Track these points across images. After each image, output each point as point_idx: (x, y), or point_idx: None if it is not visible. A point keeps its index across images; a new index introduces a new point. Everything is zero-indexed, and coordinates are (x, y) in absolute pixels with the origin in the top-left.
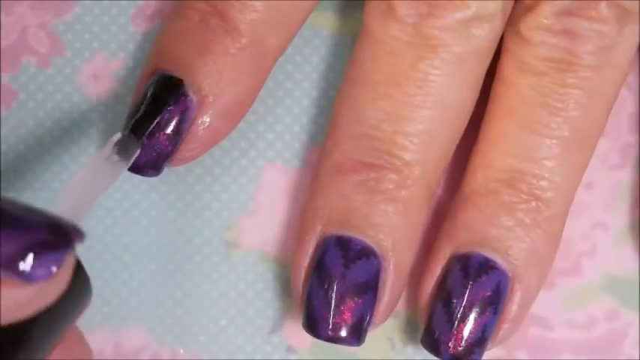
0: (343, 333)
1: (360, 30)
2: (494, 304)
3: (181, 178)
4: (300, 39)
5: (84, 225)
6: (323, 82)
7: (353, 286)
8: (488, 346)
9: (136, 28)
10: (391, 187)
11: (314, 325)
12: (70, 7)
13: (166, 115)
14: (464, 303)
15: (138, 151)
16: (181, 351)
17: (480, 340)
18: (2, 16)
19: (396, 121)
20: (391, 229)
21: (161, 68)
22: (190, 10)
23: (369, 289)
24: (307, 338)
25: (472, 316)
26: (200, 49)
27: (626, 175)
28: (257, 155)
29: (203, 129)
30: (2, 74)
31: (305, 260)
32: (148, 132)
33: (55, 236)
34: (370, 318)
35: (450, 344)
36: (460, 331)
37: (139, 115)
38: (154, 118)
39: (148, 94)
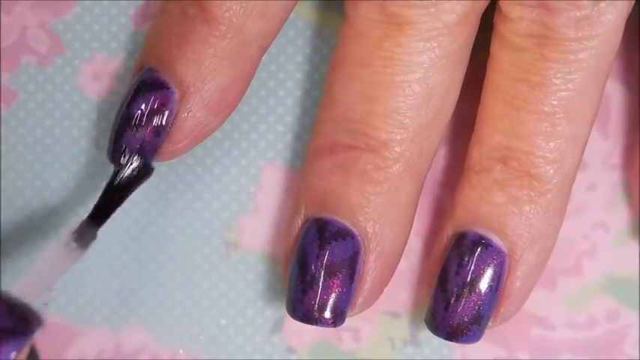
0: (318, 314)
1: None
2: (492, 282)
3: (181, 177)
4: (301, 38)
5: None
6: (324, 82)
7: (328, 267)
8: (490, 324)
9: (136, 28)
10: (369, 167)
11: (292, 307)
12: (69, 7)
13: (149, 109)
14: (458, 281)
15: (95, 239)
16: (181, 351)
17: (475, 318)
18: (2, 15)
19: (368, 102)
20: (370, 209)
21: (147, 64)
22: (172, 3)
23: (346, 270)
24: (307, 338)
25: (466, 294)
26: (179, 41)
27: (626, 175)
28: (257, 155)
29: (187, 121)
30: (2, 74)
31: (289, 243)
32: (107, 219)
33: (17, 323)
34: (348, 300)
35: (445, 322)
36: (454, 309)
37: (98, 202)
38: (114, 206)
39: (115, 181)
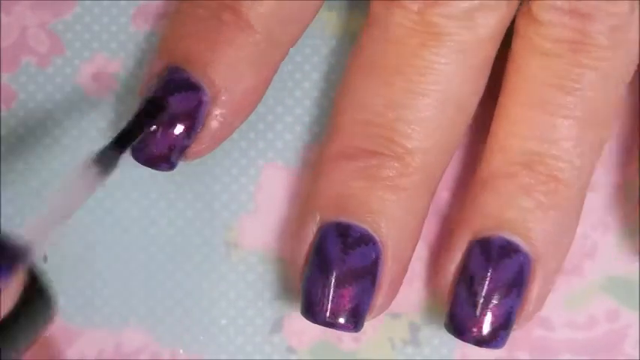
0: (341, 319)
1: (367, 16)
2: (517, 286)
3: (181, 177)
4: (301, 39)
5: (81, 227)
6: (324, 82)
7: (351, 272)
8: (514, 328)
9: (136, 28)
10: (391, 174)
11: (311, 310)
12: (69, 7)
13: (181, 109)
14: (487, 287)
15: (118, 165)
16: (181, 351)
17: (504, 324)
18: (2, 15)
19: (398, 109)
20: (390, 216)
21: (173, 65)
22: (200, 7)
23: (368, 275)
24: (307, 338)
25: (496, 300)
26: (213, 45)
27: (626, 176)
28: (257, 155)
29: (216, 123)
30: (2, 74)
31: (304, 246)
32: (130, 145)
33: None
34: (368, 305)
35: (475, 328)
36: (485, 314)
37: (124, 127)
38: (139, 131)
39: (145, 100)
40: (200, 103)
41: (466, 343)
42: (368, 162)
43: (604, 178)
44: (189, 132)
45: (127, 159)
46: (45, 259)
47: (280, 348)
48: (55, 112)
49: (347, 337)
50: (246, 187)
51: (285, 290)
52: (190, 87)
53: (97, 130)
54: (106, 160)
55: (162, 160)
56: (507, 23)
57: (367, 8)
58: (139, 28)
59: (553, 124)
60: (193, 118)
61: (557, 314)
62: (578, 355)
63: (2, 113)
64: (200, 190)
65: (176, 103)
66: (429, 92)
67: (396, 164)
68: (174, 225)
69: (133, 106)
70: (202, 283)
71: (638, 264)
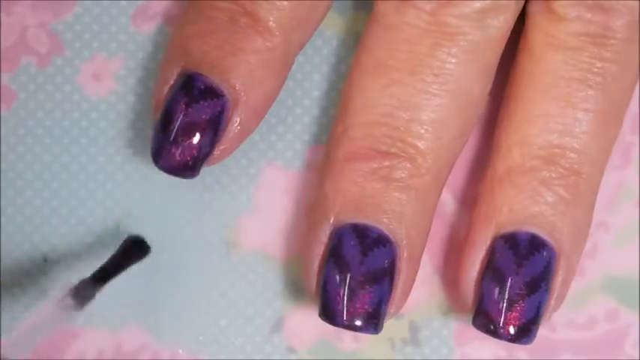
0: (361, 321)
1: (371, 17)
2: (545, 281)
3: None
4: None
5: (81, 227)
6: (324, 83)
7: (370, 274)
8: (541, 323)
9: (136, 28)
10: (404, 175)
11: (331, 313)
12: (69, 7)
13: (203, 116)
14: (518, 282)
15: (93, 299)
16: (181, 351)
17: (535, 318)
18: (2, 16)
19: (411, 109)
20: (405, 217)
21: (193, 71)
22: (215, 10)
23: (386, 277)
24: (307, 338)
25: (527, 295)
26: (232, 49)
27: (627, 176)
28: (257, 155)
29: (235, 127)
30: (2, 74)
31: (319, 248)
32: (108, 281)
33: None
34: (387, 306)
35: (508, 324)
36: (517, 310)
37: (103, 265)
38: (118, 271)
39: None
40: (223, 110)
41: (465, 344)
42: (381, 163)
43: (604, 177)
44: (214, 139)
45: (127, 158)
46: (45, 259)
47: (280, 348)
48: (55, 112)
49: (347, 337)
50: (246, 187)
51: (284, 290)
52: (214, 94)
53: (97, 130)
54: (83, 293)
55: (187, 168)
56: (513, 24)
57: (368, 8)
58: (139, 28)
59: (575, 118)
60: (217, 125)
61: (558, 314)
62: (578, 355)
63: (2, 113)
64: (200, 189)
65: (199, 110)
66: (442, 92)
67: (408, 165)
68: (175, 225)
69: (133, 106)
70: (202, 283)
71: (638, 264)
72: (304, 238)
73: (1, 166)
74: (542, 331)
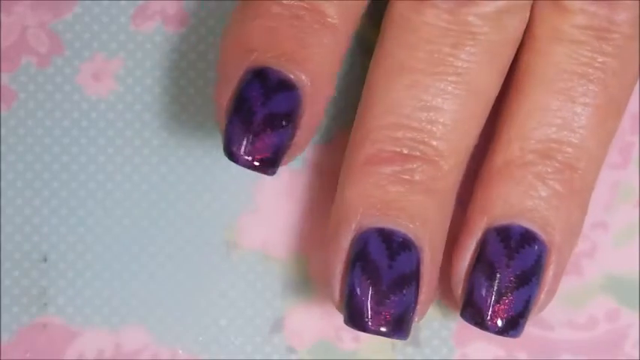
0: (391, 326)
1: (388, 18)
2: (535, 275)
3: (181, 177)
4: None
5: (81, 227)
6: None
7: (399, 279)
8: (529, 317)
9: (136, 28)
10: (427, 177)
11: (360, 320)
12: (69, 6)
13: (282, 108)
14: (508, 275)
15: None
16: (181, 351)
17: (524, 312)
18: (2, 15)
19: (433, 110)
20: (428, 220)
21: (264, 65)
22: (279, 6)
23: (412, 281)
24: (307, 338)
25: (516, 288)
26: (303, 44)
27: (626, 175)
28: None
29: (310, 119)
30: (2, 74)
31: (341, 253)
32: None
33: None
34: (414, 311)
35: (496, 317)
36: (505, 303)
37: None
38: None
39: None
40: (299, 102)
41: (465, 344)
42: (404, 165)
43: (604, 177)
44: (292, 132)
45: (127, 158)
46: (45, 259)
47: (280, 348)
48: (55, 112)
49: (347, 337)
50: (246, 187)
51: (284, 290)
52: (290, 86)
53: (97, 130)
54: None
55: (269, 163)
56: (526, 23)
57: (375, 9)
58: (139, 28)
59: (574, 112)
60: (295, 117)
61: (557, 314)
62: (578, 355)
63: (2, 113)
64: (200, 189)
65: (277, 103)
66: (463, 93)
67: (431, 167)
68: (174, 225)
69: (133, 106)
70: (202, 283)
71: (638, 264)
72: (325, 243)
73: (1, 166)
74: (542, 331)
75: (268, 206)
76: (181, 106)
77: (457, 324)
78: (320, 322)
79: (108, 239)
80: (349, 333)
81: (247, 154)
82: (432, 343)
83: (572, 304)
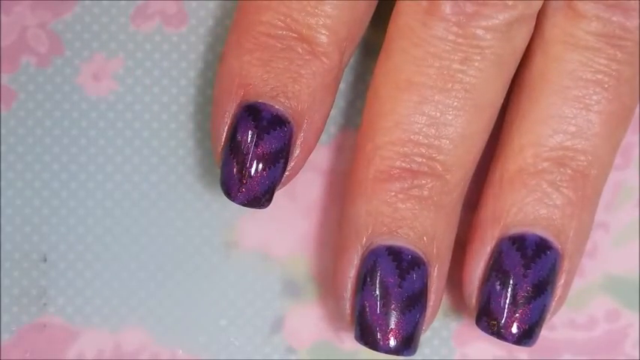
0: (402, 344)
1: (394, 31)
2: (550, 283)
3: (181, 177)
4: None
5: (81, 227)
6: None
7: (410, 298)
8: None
9: (136, 28)
10: (435, 193)
11: (371, 338)
12: (69, 7)
13: (275, 145)
14: (525, 285)
15: None
16: (181, 351)
17: (539, 321)
18: (2, 15)
19: (442, 126)
20: (436, 236)
21: (250, 98)
22: (270, 37)
23: (421, 298)
24: (307, 338)
25: (533, 298)
26: (293, 76)
27: (627, 176)
28: None
29: (300, 150)
30: (2, 74)
31: (350, 270)
32: None
33: None
34: (423, 326)
35: (513, 326)
36: (522, 312)
37: None
38: None
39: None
40: (291, 136)
41: (465, 344)
42: (412, 182)
43: None
44: (285, 166)
45: (127, 158)
46: (45, 259)
47: (280, 348)
48: (55, 112)
49: (347, 337)
50: None
51: (284, 290)
52: (281, 122)
53: (97, 130)
54: None
55: (264, 200)
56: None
57: (379, 18)
58: (139, 28)
59: (588, 120)
60: (287, 152)
61: (558, 314)
62: (578, 355)
63: (2, 113)
64: (199, 190)
65: (270, 140)
66: (472, 109)
67: (439, 183)
68: (174, 225)
69: (133, 106)
70: (202, 283)
71: (638, 264)
72: (334, 259)
73: (1, 166)
74: (542, 331)
75: (268, 206)
76: (181, 106)
77: (457, 324)
78: (320, 322)
79: (108, 239)
80: (349, 333)
81: (242, 196)
82: (432, 343)
83: (573, 304)
